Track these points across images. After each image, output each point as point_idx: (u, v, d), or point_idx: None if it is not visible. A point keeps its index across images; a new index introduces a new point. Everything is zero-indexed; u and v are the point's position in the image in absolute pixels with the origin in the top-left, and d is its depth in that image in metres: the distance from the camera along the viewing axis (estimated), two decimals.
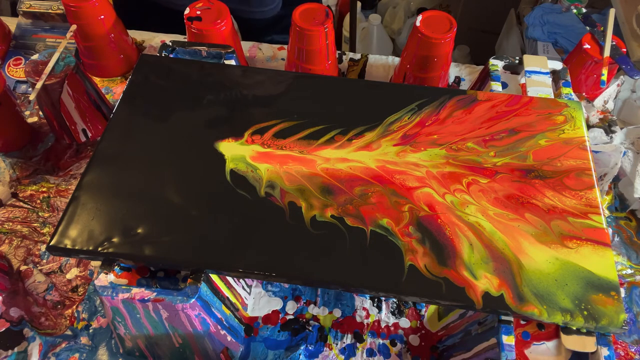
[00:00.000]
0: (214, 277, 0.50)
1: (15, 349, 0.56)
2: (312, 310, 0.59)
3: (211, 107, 0.55)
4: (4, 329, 0.56)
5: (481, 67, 0.82)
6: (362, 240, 0.46)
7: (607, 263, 0.44)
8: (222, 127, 0.54)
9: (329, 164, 0.51)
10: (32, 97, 0.61)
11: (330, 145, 0.52)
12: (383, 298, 0.60)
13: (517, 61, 0.64)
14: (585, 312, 0.42)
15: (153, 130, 0.53)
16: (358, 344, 0.57)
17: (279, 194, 0.48)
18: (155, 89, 0.57)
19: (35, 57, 0.65)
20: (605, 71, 0.70)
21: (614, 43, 0.71)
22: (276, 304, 0.60)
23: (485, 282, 0.43)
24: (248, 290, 0.60)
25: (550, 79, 0.61)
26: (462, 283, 0.43)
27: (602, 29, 0.72)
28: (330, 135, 0.53)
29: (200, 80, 0.58)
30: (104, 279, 0.45)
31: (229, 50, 0.62)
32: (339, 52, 0.83)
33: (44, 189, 0.68)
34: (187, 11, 0.71)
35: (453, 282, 0.43)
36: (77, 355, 0.56)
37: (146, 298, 0.44)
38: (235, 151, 0.52)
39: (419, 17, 0.69)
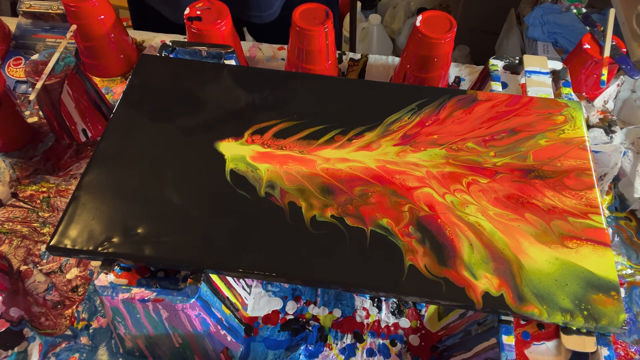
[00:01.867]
0: (214, 277, 0.50)
1: (15, 349, 0.56)
2: (312, 310, 0.59)
3: (211, 107, 0.55)
4: (4, 329, 0.56)
5: (481, 67, 0.82)
6: (362, 240, 0.46)
7: (607, 263, 0.44)
8: (222, 127, 0.54)
9: (329, 164, 0.51)
10: (32, 97, 0.61)
11: (330, 145, 0.52)
12: (383, 298, 0.60)
13: (517, 61, 0.64)
14: (585, 312, 0.42)
15: (153, 131, 0.53)
16: (358, 344, 0.57)
17: (279, 194, 0.48)
18: (155, 89, 0.57)
19: (35, 57, 0.65)
20: (605, 71, 0.70)
21: (614, 43, 0.71)
22: (276, 304, 0.60)
23: (485, 282, 0.43)
24: (248, 290, 0.60)
25: (550, 79, 0.61)
26: (462, 283, 0.43)
27: (602, 29, 0.72)
28: (330, 135, 0.53)
29: (200, 80, 0.58)
30: (104, 279, 0.45)
31: (229, 50, 0.62)
32: (339, 52, 0.83)
33: (44, 189, 0.68)
34: (187, 11, 0.71)
35: (453, 282, 0.43)
36: (77, 355, 0.56)
37: (146, 298, 0.44)
38: (235, 151, 0.52)
39: (419, 17, 0.69)
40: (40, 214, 0.66)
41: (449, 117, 0.55)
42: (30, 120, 0.75)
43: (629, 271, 0.63)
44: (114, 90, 0.80)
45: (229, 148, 0.52)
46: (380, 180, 0.50)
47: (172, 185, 0.49)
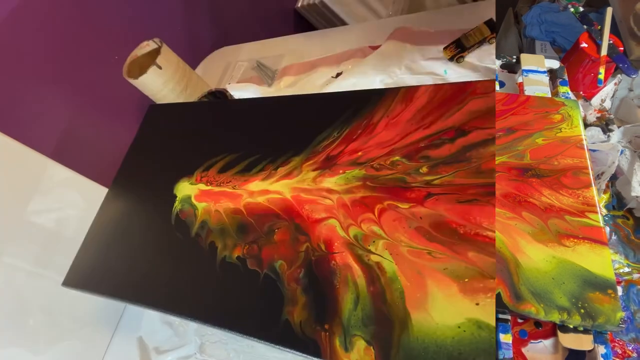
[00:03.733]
0: None
1: None
2: None
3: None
4: None
5: None
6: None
7: (604, 261, 0.44)
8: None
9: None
10: None
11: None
12: None
13: (514, 60, 0.64)
14: (582, 310, 0.42)
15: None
16: None
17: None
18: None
19: None
20: (602, 70, 0.70)
21: (611, 42, 0.71)
22: None
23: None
24: None
25: (548, 78, 0.61)
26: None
27: (599, 27, 0.72)
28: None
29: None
30: None
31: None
32: None
33: None
34: None
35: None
36: None
37: None
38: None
39: None
40: None
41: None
42: None
43: (626, 269, 0.63)
44: None
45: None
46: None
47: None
